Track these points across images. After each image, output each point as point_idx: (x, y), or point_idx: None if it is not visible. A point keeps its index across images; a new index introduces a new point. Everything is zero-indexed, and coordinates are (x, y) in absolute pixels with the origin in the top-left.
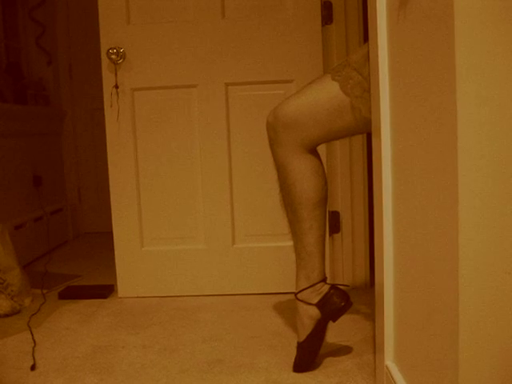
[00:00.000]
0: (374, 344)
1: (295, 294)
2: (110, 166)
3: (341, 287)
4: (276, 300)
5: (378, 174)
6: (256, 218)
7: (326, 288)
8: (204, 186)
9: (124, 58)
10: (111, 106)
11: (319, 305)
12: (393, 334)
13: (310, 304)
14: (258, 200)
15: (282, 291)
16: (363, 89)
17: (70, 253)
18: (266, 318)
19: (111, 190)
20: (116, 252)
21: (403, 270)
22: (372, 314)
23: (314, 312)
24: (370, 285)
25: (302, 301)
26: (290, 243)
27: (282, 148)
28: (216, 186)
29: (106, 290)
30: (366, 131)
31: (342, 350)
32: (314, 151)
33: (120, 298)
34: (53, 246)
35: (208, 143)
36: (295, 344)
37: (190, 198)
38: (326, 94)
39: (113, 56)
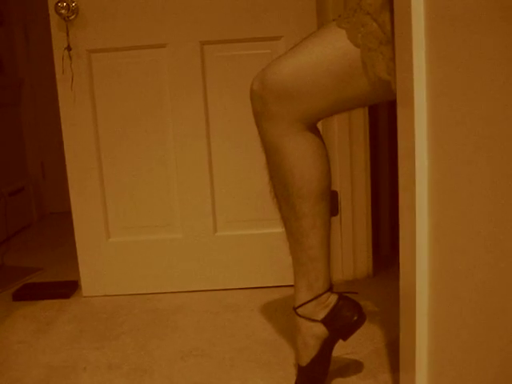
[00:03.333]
0: (397, 363)
1: (295, 308)
2: (65, 144)
3: (349, 296)
4: (265, 296)
5: (410, 153)
6: (240, 201)
7: (333, 299)
8: (179, 164)
9: (77, 14)
10: (63, 73)
11: (326, 321)
12: (426, 358)
13: (315, 320)
14: (242, 180)
15: (271, 285)
16: (379, 40)
17: (32, 239)
18: (256, 321)
19: (68, 173)
20: (78, 245)
21: (445, 261)
22: (379, 312)
23: (320, 330)
24: (373, 275)
25: (303, 317)
26: (280, 229)
27: (274, 124)
28: (193, 165)
29: (68, 288)
30: (383, 99)
31: (351, 367)
32: (313, 128)
33: (85, 297)
34: (13, 232)
35: (182, 115)
36: (293, 360)
37: (162, 179)
38: (332, 49)
39: (62, 11)
